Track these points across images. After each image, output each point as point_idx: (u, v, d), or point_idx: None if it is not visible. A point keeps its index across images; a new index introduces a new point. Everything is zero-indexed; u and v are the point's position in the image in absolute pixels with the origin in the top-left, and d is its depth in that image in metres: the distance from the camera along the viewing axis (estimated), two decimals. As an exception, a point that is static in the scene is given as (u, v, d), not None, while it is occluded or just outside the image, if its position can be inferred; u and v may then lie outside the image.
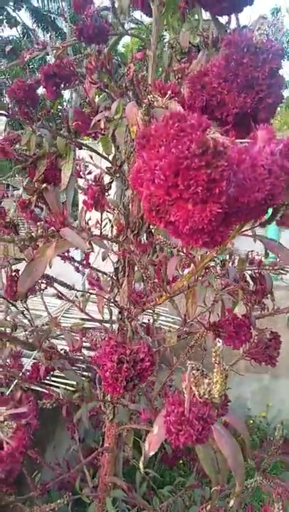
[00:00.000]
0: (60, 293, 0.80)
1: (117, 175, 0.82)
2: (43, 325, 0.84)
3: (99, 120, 0.55)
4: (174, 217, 0.30)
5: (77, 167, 0.96)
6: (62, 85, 0.59)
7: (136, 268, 0.74)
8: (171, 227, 0.31)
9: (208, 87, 0.45)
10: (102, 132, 0.60)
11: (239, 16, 0.55)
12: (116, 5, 0.82)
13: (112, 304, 0.91)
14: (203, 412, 0.32)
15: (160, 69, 0.90)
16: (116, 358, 0.41)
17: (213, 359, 0.32)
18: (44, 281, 0.70)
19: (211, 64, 0.45)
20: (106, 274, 0.81)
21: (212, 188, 0.27)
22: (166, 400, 0.34)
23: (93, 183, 0.57)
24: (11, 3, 10.81)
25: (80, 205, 1.01)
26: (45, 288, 0.73)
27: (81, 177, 0.99)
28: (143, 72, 0.56)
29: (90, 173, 0.97)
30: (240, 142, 0.33)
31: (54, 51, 0.73)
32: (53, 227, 0.50)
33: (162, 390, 0.72)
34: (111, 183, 0.87)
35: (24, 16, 11.08)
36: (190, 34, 0.78)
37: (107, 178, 0.89)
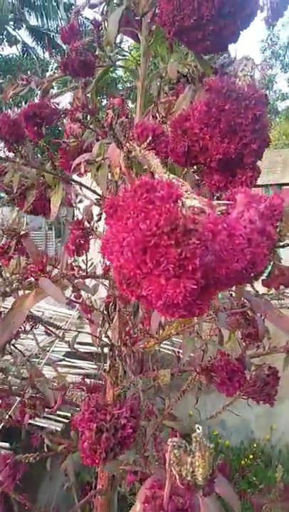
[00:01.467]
0: (49, 329, 0.78)
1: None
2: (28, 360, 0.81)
3: (79, 163, 0.54)
4: (145, 292, 0.27)
5: (68, 196, 0.95)
6: (43, 125, 0.58)
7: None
8: (144, 300, 0.28)
9: (190, 133, 0.43)
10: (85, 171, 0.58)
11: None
12: (103, 35, 0.81)
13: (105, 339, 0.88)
14: (184, 501, 0.29)
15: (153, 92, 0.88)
16: (95, 426, 0.38)
17: (194, 444, 0.30)
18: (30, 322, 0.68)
19: (193, 108, 0.43)
20: (96, 309, 0.79)
21: (184, 265, 0.25)
22: (144, 485, 0.31)
23: (75, 227, 0.55)
24: (11, 23, 11.04)
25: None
26: (30, 330, 0.70)
27: (72, 206, 0.98)
28: (125, 114, 0.55)
29: (80, 201, 0.95)
30: (219, 204, 0.30)
31: (39, 87, 0.71)
32: (31, 277, 0.48)
33: (154, 437, 0.68)
34: (101, 214, 0.85)
35: (24, 34, 11.30)
36: (178, 64, 0.77)
37: (96, 209, 0.87)
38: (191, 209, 0.30)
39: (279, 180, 1.98)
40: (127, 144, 0.42)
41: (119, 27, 0.75)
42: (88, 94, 0.81)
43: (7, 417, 0.71)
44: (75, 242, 0.52)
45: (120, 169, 0.49)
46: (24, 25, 11.18)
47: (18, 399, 0.83)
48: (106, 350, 0.89)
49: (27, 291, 0.49)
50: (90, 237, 0.59)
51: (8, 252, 0.52)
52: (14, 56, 10.89)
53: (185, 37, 0.49)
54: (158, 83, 0.82)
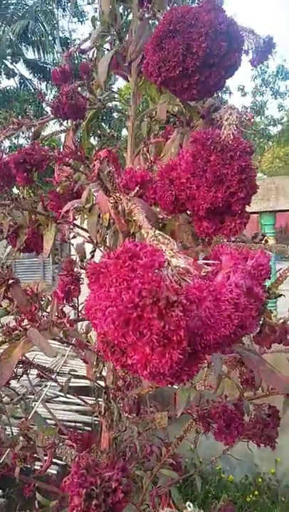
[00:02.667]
0: (42, 372, 0.76)
1: (100, 244, 0.80)
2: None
3: (68, 210, 0.54)
4: (130, 360, 0.26)
5: (61, 232, 0.95)
6: (33, 171, 0.58)
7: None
8: (129, 369, 0.27)
9: (177, 182, 0.43)
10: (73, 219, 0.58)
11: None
12: (93, 78, 0.83)
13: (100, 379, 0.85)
14: None
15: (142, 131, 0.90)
16: (84, 492, 0.36)
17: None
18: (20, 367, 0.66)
19: (179, 157, 0.44)
20: (90, 349, 0.77)
21: (169, 336, 0.24)
22: None
23: (64, 273, 0.54)
24: (9, 57, 11.43)
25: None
26: (21, 376, 0.68)
27: (66, 242, 0.97)
28: (110, 165, 0.55)
29: (74, 237, 0.95)
30: (206, 263, 0.30)
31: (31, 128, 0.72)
32: (19, 327, 0.46)
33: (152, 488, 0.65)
34: (94, 251, 0.85)
35: (21, 67, 11.67)
36: (168, 105, 0.78)
37: (89, 247, 0.87)
38: (176, 269, 0.29)
39: (274, 207, 2.00)
40: (114, 196, 0.42)
41: (109, 70, 0.77)
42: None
43: (-2, 466, 0.68)
44: (64, 289, 0.51)
45: (110, 215, 0.49)
46: (21, 59, 11.57)
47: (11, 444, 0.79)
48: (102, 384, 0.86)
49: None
50: (81, 281, 0.58)
51: (-4, 300, 0.51)
52: (12, 88, 11.22)
53: (171, 86, 0.50)
54: (148, 123, 0.83)
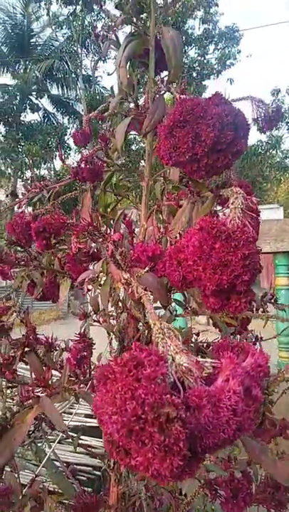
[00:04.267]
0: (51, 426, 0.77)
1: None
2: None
3: (83, 279, 0.57)
4: (134, 461, 0.28)
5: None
6: (52, 238, 0.62)
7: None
8: (133, 469, 0.29)
9: (184, 264, 0.45)
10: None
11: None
12: (111, 143, 0.89)
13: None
14: None
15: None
16: None
17: None
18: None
19: (186, 239, 0.46)
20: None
21: (169, 446, 0.26)
22: None
23: (77, 341, 0.57)
24: (34, 93, 12.06)
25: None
26: (33, 432, 0.70)
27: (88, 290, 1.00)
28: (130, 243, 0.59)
29: (89, 290, 0.98)
30: (207, 362, 0.32)
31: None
32: (32, 394, 0.49)
33: None
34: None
35: (45, 102, 12.25)
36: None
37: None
38: (179, 368, 0.31)
39: (287, 248, 2.01)
40: (125, 277, 0.44)
41: (126, 136, 0.82)
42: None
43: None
44: (76, 356, 0.53)
45: (122, 285, 0.52)
46: (46, 95, 12.19)
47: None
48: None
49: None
50: (93, 348, 0.60)
51: (13, 364, 0.54)
52: (36, 121, 11.76)
53: (181, 167, 0.54)
54: (162, 183, 0.87)
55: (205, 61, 10.13)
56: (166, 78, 0.80)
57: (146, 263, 0.53)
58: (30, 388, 0.47)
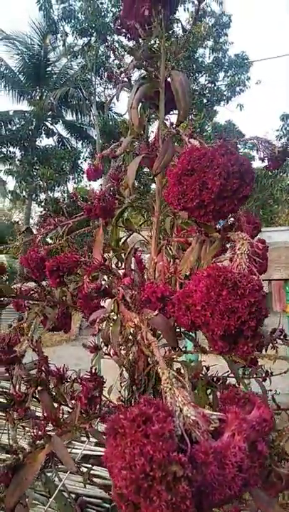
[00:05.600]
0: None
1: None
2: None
3: (94, 320, 0.59)
4: (143, 515, 0.29)
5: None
6: (65, 275, 0.64)
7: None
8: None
9: (193, 309, 0.47)
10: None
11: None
12: (122, 180, 0.92)
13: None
14: None
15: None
16: None
17: None
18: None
19: (194, 283, 0.48)
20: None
21: (177, 504, 0.26)
22: None
23: (88, 378, 0.58)
24: (49, 118, 12.47)
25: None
26: (45, 468, 0.70)
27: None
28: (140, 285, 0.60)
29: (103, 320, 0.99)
30: (213, 415, 0.33)
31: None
32: (43, 433, 0.50)
33: None
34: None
35: (59, 127, 12.65)
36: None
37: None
38: (187, 420, 0.32)
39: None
40: (135, 321, 0.46)
41: (137, 174, 0.85)
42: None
43: None
44: (87, 395, 0.54)
45: (133, 324, 0.53)
46: (61, 120, 12.60)
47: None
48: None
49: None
50: (104, 386, 0.61)
51: (25, 402, 0.55)
52: (50, 146, 12.12)
53: (189, 212, 0.56)
54: (171, 219, 0.90)
55: (215, 88, 10.39)
56: (175, 118, 0.84)
57: (155, 304, 0.54)
58: (42, 423, 0.48)
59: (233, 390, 0.34)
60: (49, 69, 12.54)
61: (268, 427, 0.32)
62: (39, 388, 0.59)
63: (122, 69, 1.00)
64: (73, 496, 1.43)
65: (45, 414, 0.51)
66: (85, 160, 11.30)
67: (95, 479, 1.61)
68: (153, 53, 0.94)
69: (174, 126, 0.80)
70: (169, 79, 0.89)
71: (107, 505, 1.43)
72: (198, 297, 0.46)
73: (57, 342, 8.27)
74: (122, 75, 1.02)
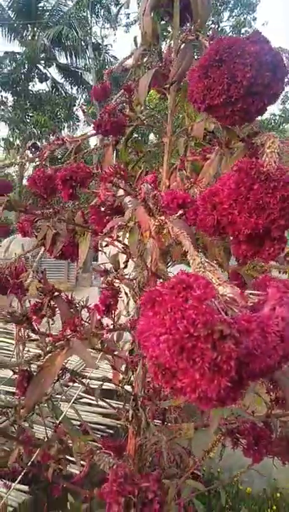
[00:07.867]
0: (73, 376, 0.79)
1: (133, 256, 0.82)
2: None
3: (112, 227, 0.56)
4: (180, 384, 0.28)
5: (94, 241, 0.98)
6: (78, 187, 0.61)
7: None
8: (178, 392, 0.29)
9: (219, 207, 0.45)
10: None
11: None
12: (133, 96, 0.86)
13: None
14: None
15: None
16: (123, 500, 0.38)
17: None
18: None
19: (222, 183, 0.45)
20: (119, 357, 0.79)
21: (220, 365, 0.26)
22: None
23: (106, 288, 0.57)
24: (42, 62, 11.74)
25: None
26: (57, 380, 0.71)
27: (99, 250, 1.01)
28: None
29: (107, 245, 0.98)
30: (252, 294, 0.32)
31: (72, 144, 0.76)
32: (61, 339, 0.49)
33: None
34: (127, 261, 0.87)
35: (53, 71, 11.94)
36: (205, 121, 0.80)
37: (123, 256, 0.90)
38: (223, 298, 0.31)
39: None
40: (158, 219, 0.44)
41: (149, 89, 0.79)
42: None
43: (29, 464, 0.71)
44: (105, 302, 0.54)
45: (150, 233, 0.51)
46: (54, 63, 11.85)
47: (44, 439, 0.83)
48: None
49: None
50: (120, 296, 0.61)
51: (41, 310, 0.54)
52: (44, 91, 11.51)
53: (214, 113, 0.52)
54: (185, 140, 0.85)
55: (219, 29, 9.72)
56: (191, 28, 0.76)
57: (176, 210, 0.52)
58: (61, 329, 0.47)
59: (267, 275, 0.32)
60: (41, 4, 11.58)
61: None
62: (56, 294, 0.58)
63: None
64: (78, 423, 1.50)
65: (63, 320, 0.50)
66: (81, 107, 10.78)
67: (98, 409, 1.69)
68: None
69: (191, 31, 0.73)
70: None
71: (111, 432, 1.51)
72: (226, 194, 0.44)
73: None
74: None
